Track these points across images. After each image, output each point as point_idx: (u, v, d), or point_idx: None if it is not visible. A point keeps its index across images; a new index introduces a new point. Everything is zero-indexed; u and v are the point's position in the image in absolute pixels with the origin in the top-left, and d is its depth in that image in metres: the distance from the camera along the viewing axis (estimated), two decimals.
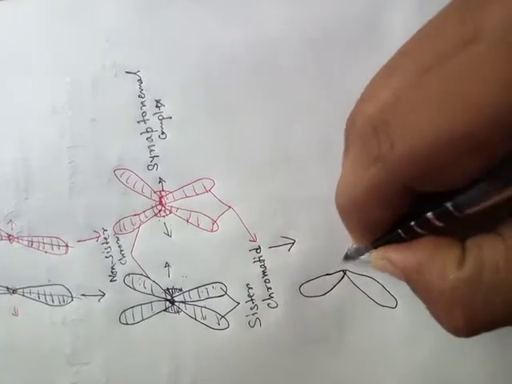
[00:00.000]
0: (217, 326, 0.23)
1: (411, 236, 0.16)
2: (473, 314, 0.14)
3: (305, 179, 0.22)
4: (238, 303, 0.23)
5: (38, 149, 0.25)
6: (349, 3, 0.22)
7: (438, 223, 0.15)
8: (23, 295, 0.25)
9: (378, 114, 0.14)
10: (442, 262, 0.15)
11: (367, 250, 0.19)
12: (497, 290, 0.13)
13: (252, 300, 0.23)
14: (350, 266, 0.22)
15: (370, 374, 0.22)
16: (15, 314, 0.25)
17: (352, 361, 0.22)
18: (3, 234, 0.25)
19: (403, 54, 0.16)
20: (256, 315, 0.23)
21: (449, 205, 0.14)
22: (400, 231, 0.16)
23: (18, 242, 0.25)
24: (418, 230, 0.16)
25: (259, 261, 0.23)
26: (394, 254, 0.17)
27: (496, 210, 0.14)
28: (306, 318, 0.22)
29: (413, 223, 0.16)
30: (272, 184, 0.22)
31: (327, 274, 0.22)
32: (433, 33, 0.15)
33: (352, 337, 0.22)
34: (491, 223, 0.15)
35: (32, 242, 0.25)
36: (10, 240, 0.25)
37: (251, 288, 0.23)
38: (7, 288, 0.25)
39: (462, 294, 0.14)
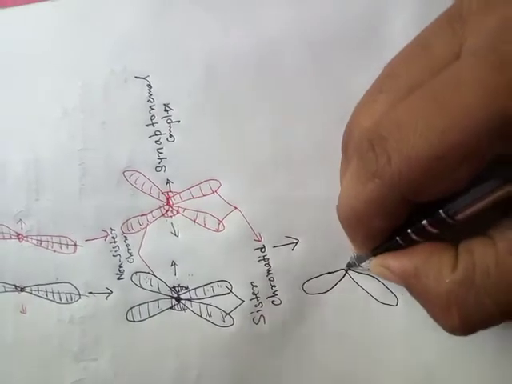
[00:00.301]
0: (222, 323, 0.24)
1: (408, 243, 0.17)
2: (467, 315, 0.15)
3: (307, 180, 0.23)
4: (243, 301, 0.24)
5: (49, 150, 0.25)
6: (349, 4, 0.23)
7: (432, 230, 0.16)
8: (31, 293, 0.26)
9: (374, 127, 0.15)
10: (437, 266, 0.15)
11: (368, 257, 0.20)
12: (488, 292, 0.14)
13: (256, 297, 0.23)
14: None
15: (371, 372, 0.23)
16: (23, 311, 0.26)
17: (353, 358, 0.23)
18: (12, 232, 0.26)
19: (397, 66, 0.17)
20: (260, 312, 0.23)
21: (441, 212, 0.15)
22: (398, 239, 0.17)
23: (27, 240, 0.26)
24: (415, 237, 0.16)
25: (264, 260, 0.23)
26: (392, 260, 0.17)
27: (487, 213, 0.15)
28: (309, 315, 0.23)
29: (409, 231, 0.16)
30: (276, 185, 0.23)
31: (329, 272, 0.23)
32: (423, 47, 0.15)
33: (353, 334, 0.23)
34: (483, 226, 0.15)
35: (41, 241, 0.26)
36: (19, 239, 0.26)
37: (256, 286, 0.23)
38: (15, 286, 0.26)
39: (457, 296, 0.15)
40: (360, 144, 0.15)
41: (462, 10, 0.14)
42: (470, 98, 0.12)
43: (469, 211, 0.14)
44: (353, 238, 0.19)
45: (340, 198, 0.18)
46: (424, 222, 0.16)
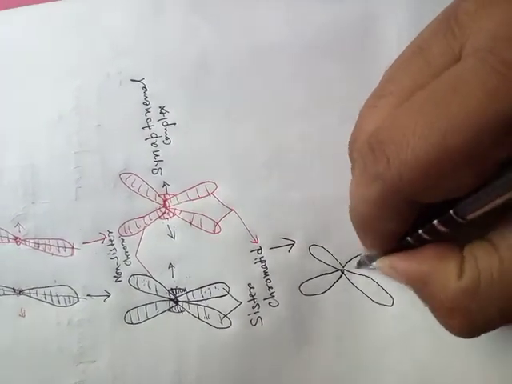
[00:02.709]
0: (219, 325, 0.24)
1: (419, 242, 0.17)
2: (471, 321, 0.15)
3: (303, 181, 0.23)
4: (240, 302, 0.24)
5: (45, 154, 0.25)
6: (343, 11, 0.23)
7: (443, 229, 0.16)
8: (30, 296, 0.26)
9: (374, 132, 0.15)
10: (443, 273, 0.16)
11: (378, 256, 0.20)
12: (492, 300, 0.15)
13: (254, 299, 0.24)
14: (364, 270, 0.23)
15: (367, 372, 0.23)
16: (22, 314, 0.26)
17: (349, 358, 0.23)
18: (10, 236, 0.26)
19: (396, 70, 0.17)
20: (258, 314, 0.23)
21: (451, 212, 0.15)
22: (408, 239, 0.17)
23: (25, 244, 0.26)
24: (426, 236, 0.17)
25: (260, 261, 0.24)
26: (400, 263, 0.18)
27: (490, 215, 0.15)
28: (306, 316, 0.23)
29: (420, 231, 0.16)
30: (272, 187, 0.23)
31: (326, 274, 0.23)
32: (421, 50, 0.15)
33: (349, 334, 0.23)
34: (485, 226, 0.15)
35: (38, 244, 0.26)
36: (17, 242, 0.26)
37: (253, 288, 0.24)
38: (14, 289, 0.26)
39: (461, 302, 0.15)
40: (361, 148, 0.16)
41: (460, 11, 0.14)
42: (470, 100, 0.12)
43: (479, 212, 0.14)
44: (364, 240, 0.19)
45: (350, 201, 0.18)
46: (435, 222, 0.16)
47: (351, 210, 0.18)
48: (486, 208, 0.14)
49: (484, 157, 0.13)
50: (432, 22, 0.16)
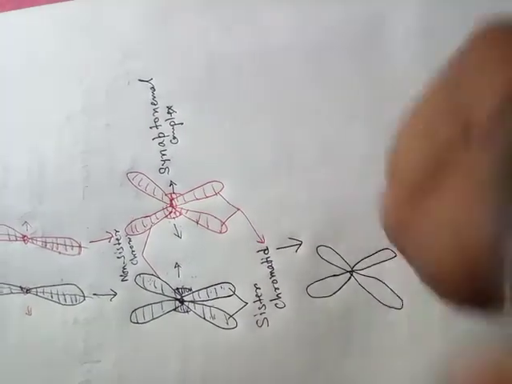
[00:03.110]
0: (225, 326, 0.24)
1: None
2: None
3: (311, 182, 0.23)
4: (246, 303, 0.23)
5: (52, 153, 0.26)
6: (350, 10, 0.23)
7: None
8: (36, 295, 0.26)
9: (393, 229, 0.13)
10: None
11: None
12: None
13: (260, 300, 0.23)
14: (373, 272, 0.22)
15: (376, 375, 0.22)
16: (28, 313, 0.26)
17: (358, 361, 0.22)
18: (18, 234, 0.26)
19: (399, 162, 0.14)
20: (264, 315, 0.23)
21: None
22: None
23: (33, 242, 0.26)
24: None
25: (267, 262, 0.23)
26: None
27: None
28: (313, 318, 0.23)
29: None
30: (279, 187, 0.23)
31: (334, 275, 0.23)
32: (425, 134, 0.14)
33: (358, 337, 0.22)
34: None
35: (46, 242, 0.26)
36: (24, 241, 0.26)
37: (259, 288, 0.23)
38: (21, 287, 0.26)
39: None
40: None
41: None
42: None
43: None
44: None
45: None
46: None
47: None
48: None
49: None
50: (430, 89, 0.14)
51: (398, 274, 0.22)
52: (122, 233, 0.25)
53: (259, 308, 0.23)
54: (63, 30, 0.26)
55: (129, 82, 0.25)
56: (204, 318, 0.24)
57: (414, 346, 0.22)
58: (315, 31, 0.23)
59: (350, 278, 0.23)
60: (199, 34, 0.24)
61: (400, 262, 0.22)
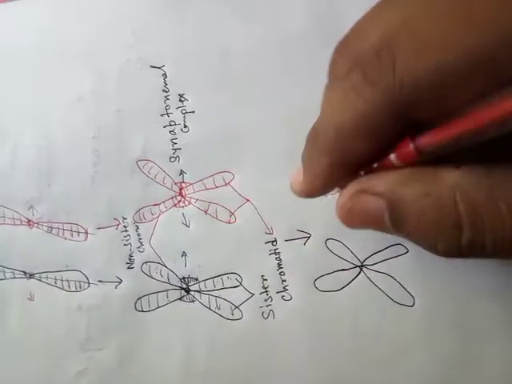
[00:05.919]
0: (231, 316, 0.23)
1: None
2: None
3: None
4: (253, 294, 0.23)
5: (62, 136, 0.25)
6: (365, 1, 0.22)
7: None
8: (40, 280, 0.26)
9: (382, 36, 0.14)
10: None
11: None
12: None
13: (266, 292, 0.23)
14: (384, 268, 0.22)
15: (384, 374, 0.22)
16: (31, 298, 0.26)
17: (366, 359, 0.22)
18: (23, 219, 0.26)
19: None
20: (270, 307, 0.23)
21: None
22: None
23: (38, 227, 0.26)
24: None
25: (275, 253, 0.23)
26: (375, 181, 0.15)
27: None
28: (320, 313, 0.23)
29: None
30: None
31: (343, 270, 0.23)
32: None
33: (367, 334, 0.22)
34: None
35: (52, 227, 0.26)
36: (29, 225, 0.26)
37: (266, 280, 0.23)
38: (24, 272, 0.26)
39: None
40: (362, 55, 0.14)
41: None
42: (497, 11, 0.11)
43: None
44: (324, 163, 0.16)
45: (320, 116, 0.16)
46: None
47: (322, 124, 0.16)
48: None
49: (498, 66, 0.12)
50: None
51: (411, 270, 0.22)
52: (129, 220, 0.25)
53: (265, 300, 0.23)
54: (77, 12, 0.26)
55: (140, 68, 0.25)
56: (209, 308, 0.24)
57: (425, 345, 0.22)
58: (331, 18, 0.23)
59: (359, 272, 0.22)
60: (215, 23, 0.24)
61: (412, 257, 0.22)
